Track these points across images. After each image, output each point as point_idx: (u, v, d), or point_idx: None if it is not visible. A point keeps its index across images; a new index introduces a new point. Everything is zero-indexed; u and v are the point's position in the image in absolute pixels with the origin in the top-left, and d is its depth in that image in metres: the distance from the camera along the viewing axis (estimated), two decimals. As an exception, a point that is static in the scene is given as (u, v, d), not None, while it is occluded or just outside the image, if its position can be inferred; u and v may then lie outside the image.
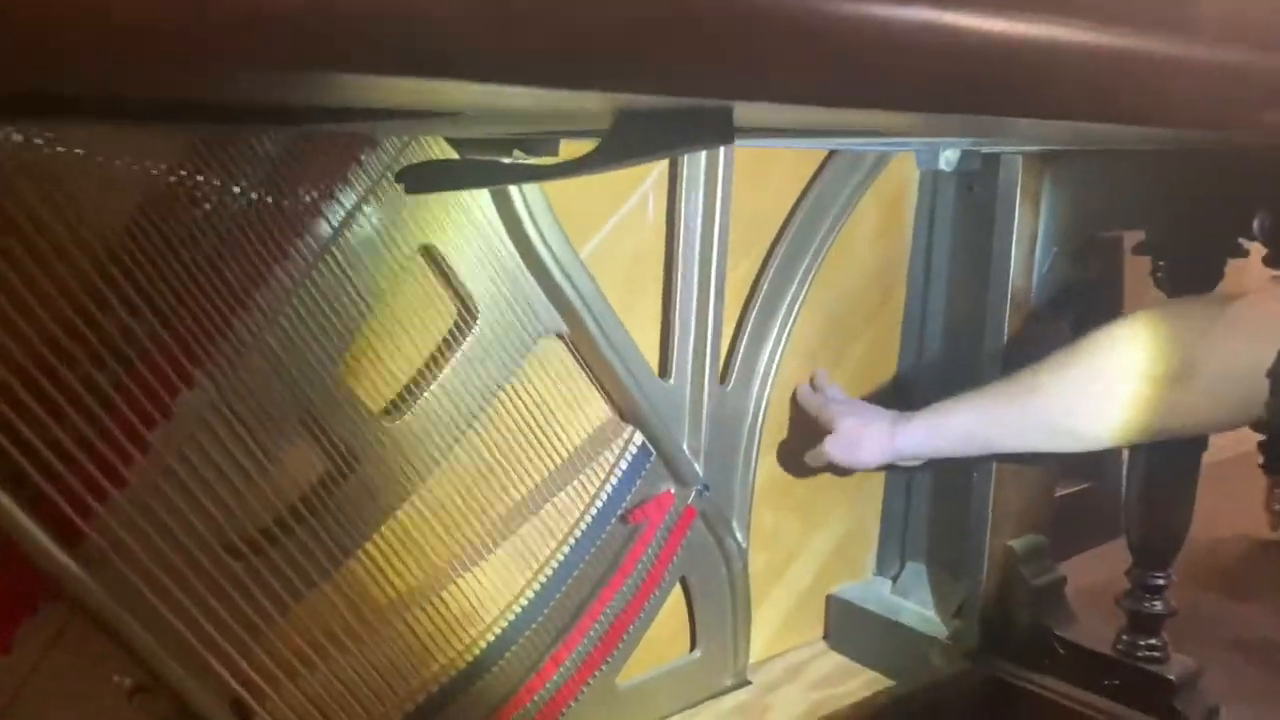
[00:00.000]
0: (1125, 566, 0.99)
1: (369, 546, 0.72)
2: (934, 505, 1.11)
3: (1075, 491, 1.37)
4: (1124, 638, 0.97)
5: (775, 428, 1.03)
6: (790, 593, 1.10)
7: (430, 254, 0.73)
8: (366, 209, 0.68)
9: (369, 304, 0.69)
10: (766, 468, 1.02)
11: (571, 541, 0.84)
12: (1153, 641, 0.96)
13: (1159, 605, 0.96)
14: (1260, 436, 0.77)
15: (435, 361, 0.74)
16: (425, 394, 0.73)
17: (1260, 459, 0.79)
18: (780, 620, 1.09)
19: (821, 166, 0.98)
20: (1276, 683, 1.12)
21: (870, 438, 0.96)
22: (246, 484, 0.65)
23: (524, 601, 0.81)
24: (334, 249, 0.67)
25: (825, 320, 1.04)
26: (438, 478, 0.75)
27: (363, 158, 0.67)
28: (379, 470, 0.72)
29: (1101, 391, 0.84)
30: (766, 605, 1.07)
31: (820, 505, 1.09)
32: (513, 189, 0.75)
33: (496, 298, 0.76)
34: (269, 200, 0.64)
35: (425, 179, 0.67)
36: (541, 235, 0.77)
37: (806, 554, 1.10)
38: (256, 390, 0.65)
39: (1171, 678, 0.93)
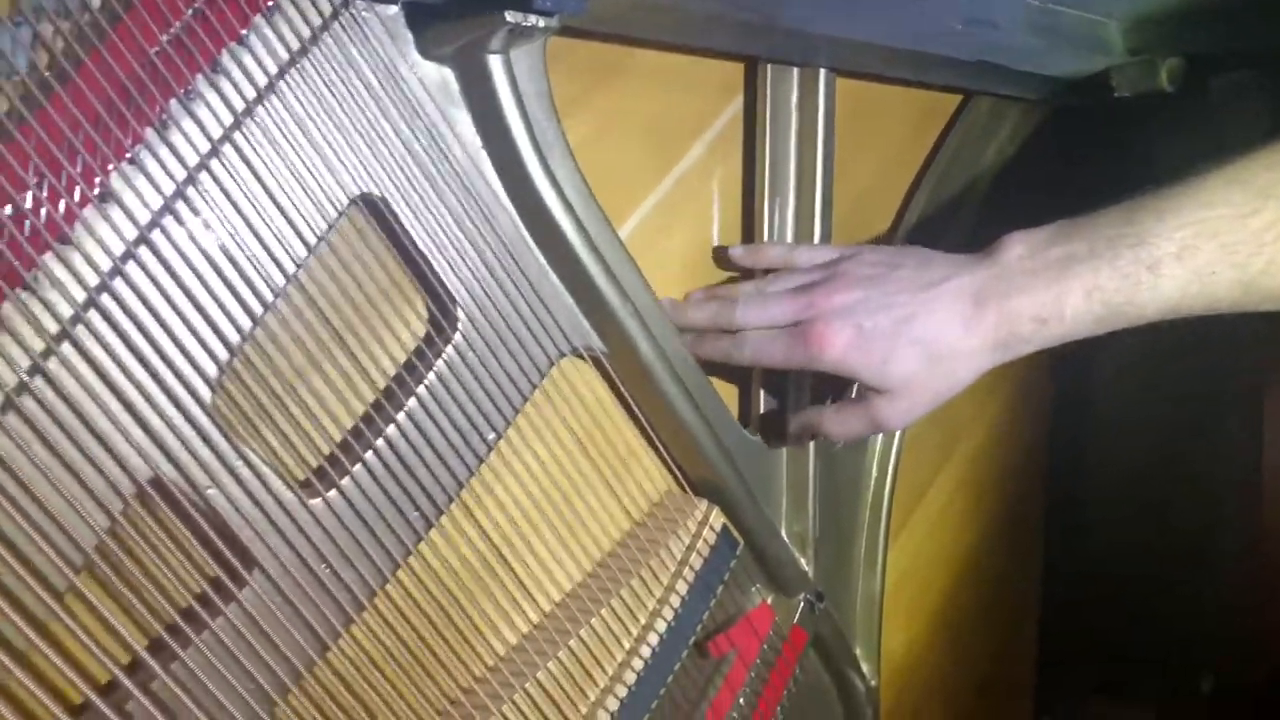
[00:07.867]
0: None
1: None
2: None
3: None
4: None
5: (908, 496, 0.72)
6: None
7: (377, 210, 0.44)
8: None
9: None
10: (897, 561, 0.70)
11: (624, 686, 0.53)
12: None
13: None
14: None
15: (388, 398, 0.45)
16: (369, 454, 0.44)
17: None
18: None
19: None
20: None
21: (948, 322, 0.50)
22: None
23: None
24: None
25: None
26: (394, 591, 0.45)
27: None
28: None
29: None
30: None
31: (971, 611, 0.78)
32: (515, 119, 0.46)
33: (488, 292, 0.47)
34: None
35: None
36: (563, 198, 0.48)
37: (953, 687, 0.78)
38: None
39: None
